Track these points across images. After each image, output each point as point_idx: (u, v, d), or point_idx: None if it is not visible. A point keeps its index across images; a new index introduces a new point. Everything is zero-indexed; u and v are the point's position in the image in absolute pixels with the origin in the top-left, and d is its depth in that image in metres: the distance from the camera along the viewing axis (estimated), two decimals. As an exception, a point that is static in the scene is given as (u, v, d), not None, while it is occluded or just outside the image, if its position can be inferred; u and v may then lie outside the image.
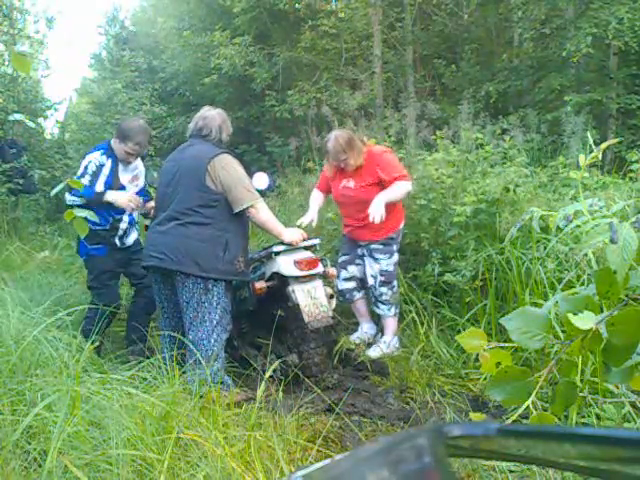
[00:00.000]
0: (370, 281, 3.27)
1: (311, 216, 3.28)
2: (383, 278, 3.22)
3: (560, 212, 1.20)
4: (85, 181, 3.09)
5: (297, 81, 9.09)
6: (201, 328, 2.59)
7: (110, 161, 3.19)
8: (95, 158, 3.19)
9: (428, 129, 5.10)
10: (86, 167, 3.17)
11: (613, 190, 3.66)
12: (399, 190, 3.09)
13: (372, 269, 3.26)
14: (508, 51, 8.98)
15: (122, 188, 3.23)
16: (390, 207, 3.11)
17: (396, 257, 3.28)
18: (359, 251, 3.35)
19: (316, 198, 3.43)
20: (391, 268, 3.24)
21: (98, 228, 3.13)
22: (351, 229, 3.33)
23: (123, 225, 3.29)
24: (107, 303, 3.13)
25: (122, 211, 3.22)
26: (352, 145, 3.14)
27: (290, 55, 9.19)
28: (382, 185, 3.12)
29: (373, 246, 3.24)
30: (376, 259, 3.24)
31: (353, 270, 3.38)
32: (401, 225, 3.31)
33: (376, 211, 2.94)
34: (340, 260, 3.43)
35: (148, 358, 2.32)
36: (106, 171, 3.18)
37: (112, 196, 3.12)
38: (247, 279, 2.83)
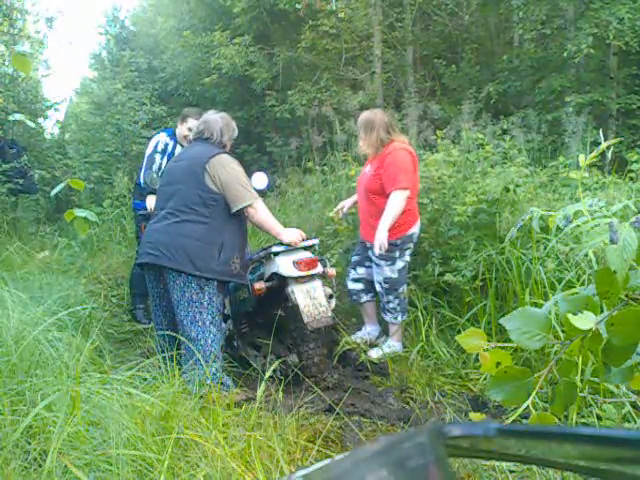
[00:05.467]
0: (377, 287, 3.23)
1: (343, 204, 3.52)
2: (387, 285, 3.16)
3: (560, 212, 1.20)
4: (158, 158, 3.80)
5: (297, 81, 9.08)
6: (193, 328, 2.58)
7: (172, 142, 3.90)
8: (163, 138, 3.90)
9: (429, 129, 5.11)
10: (156, 145, 3.86)
11: (613, 190, 3.65)
12: (394, 208, 2.98)
13: (377, 275, 3.21)
14: (508, 51, 8.96)
15: None
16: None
17: (400, 264, 3.16)
18: (369, 253, 3.29)
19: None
20: (395, 275, 3.15)
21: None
22: (361, 223, 3.31)
23: None
24: None
25: None
26: (366, 128, 3.13)
27: (290, 55, 9.18)
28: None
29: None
30: (377, 264, 3.17)
31: (362, 272, 3.35)
32: (409, 232, 3.15)
33: (379, 238, 2.92)
34: (352, 259, 3.43)
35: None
36: (169, 149, 3.87)
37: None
38: (243, 281, 2.76)
